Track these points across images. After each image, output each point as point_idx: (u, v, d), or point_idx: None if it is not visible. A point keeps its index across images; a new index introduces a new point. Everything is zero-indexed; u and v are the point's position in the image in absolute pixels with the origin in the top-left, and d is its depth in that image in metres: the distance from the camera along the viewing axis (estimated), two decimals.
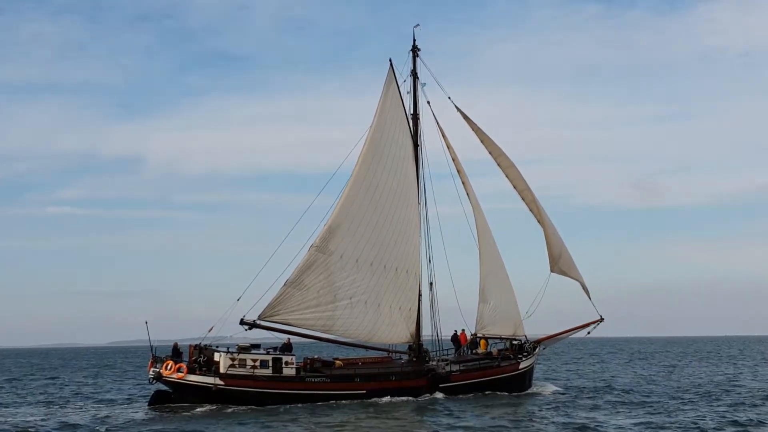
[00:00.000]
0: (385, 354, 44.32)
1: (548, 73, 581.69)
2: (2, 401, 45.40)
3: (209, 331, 39.10)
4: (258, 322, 40.27)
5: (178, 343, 39.88)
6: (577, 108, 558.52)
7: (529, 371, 46.86)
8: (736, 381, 53.88)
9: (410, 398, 40.33)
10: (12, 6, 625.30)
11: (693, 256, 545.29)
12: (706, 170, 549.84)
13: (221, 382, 37.58)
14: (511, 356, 45.75)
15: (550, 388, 48.14)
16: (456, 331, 47.27)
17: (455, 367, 43.40)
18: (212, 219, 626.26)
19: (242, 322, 39.89)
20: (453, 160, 46.47)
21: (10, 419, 35.70)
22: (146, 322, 38.89)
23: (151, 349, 38.56)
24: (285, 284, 40.92)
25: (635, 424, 32.00)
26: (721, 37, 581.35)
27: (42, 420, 35.11)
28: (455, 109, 46.05)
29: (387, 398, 39.85)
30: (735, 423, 32.20)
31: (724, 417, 33.92)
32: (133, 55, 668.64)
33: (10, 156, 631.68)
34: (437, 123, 46.05)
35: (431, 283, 45.07)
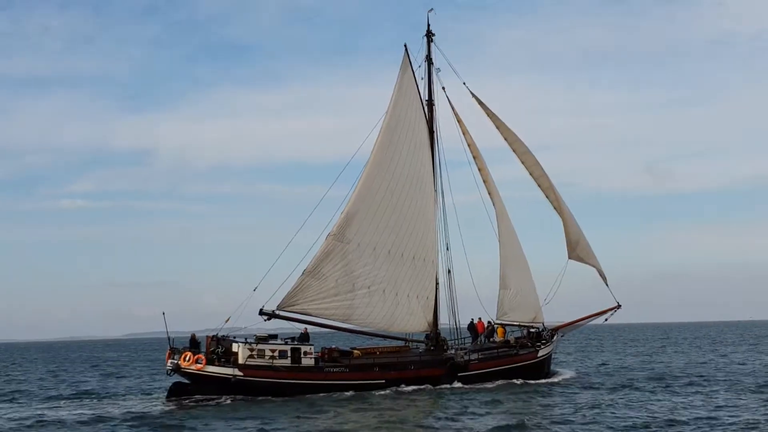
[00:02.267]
0: (402, 343, 44.11)
1: (558, 59, 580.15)
2: (21, 396, 45.31)
3: (226, 321, 38.84)
4: (277, 312, 40.02)
5: (196, 335, 39.65)
6: (588, 94, 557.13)
7: (548, 359, 46.56)
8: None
9: (429, 387, 40.08)
10: None
11: (707, 241, 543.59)
12: (719, 155, 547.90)
13: (240, 373, 37.30)
14: (529, 344, 45.47)
15: (569, 375, 47.83)
16: (473, 319, 46.98)
17: (474, 356, 43.11)
18: (223, 210, 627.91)
19: (261, 313, 39.63)
20: (469, 145, 46.10)
21: (30, 413, 35.57)
22: (163, 314, 38.66)
23: (169, 341, 38.33)
24: (303, 274, 40.65)
25: (656, 412, 31.71)
26: (730, 21, 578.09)
27: (61, 414, 34.92)
28: (470, 95, 45.68)
29: (406, 387, 39.62)
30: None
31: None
32: (141, 46, 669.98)
33: (21, 150, 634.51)
34: (453, 109, 45.71)
35: (449, 271, 44.80)
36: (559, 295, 46.48)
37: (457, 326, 45.26)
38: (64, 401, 40.62)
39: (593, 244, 47.69)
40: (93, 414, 34.27)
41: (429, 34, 45.45)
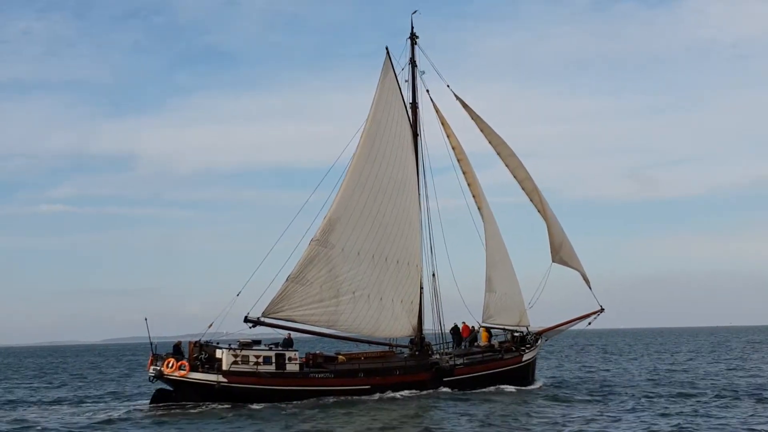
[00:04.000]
0: (386, 348, 43.76)
1: (539, 67, 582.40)
2: (1, 400, 44.72)
3: (209, 327, 38.32)
4: (262, 319, 39.54)
5: (181, 342, 39.05)
6: (570, 101, 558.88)
7: (533, 363, 46.35)
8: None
9: (415, 392, 39.79)
10: None
11: (689, 247, 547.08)
12: (701, 162, 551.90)
13: (224, 380, 36.81)
14: (513, 348, 45.25)
15: (553, 380, 47.75)
16: (456, 324, 46.49)
17: (459, 361, 42.86)
18: (205, 216, 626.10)
19: (247, 320, 39.15)
20: (454, 148, 45.74)
21: (9, 419, 35.06)
22: (146, 319, 38.25)
23: (151, 347, 37.87)
24: (287, 279, 40.13)
25: (639, 418, 31.65)
26: (710, 29, 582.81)
27: (41, 420, 34.42)
28: (454, 98, 45.23)
29: (391, 393, 39.31)
30: None
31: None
32: (122, 52, 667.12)
33: (0, 154, 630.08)
34: (437, 111, 45.31)
35: (434, 274, 44.42)
36: (542, 298, 46.35)
37: (442, 330, 44.97)
38: (42, 406, 40.13)
39: (578, 250, 47.55)
40: (74, 420, 33.84)
41: (413, 37, 45.00)
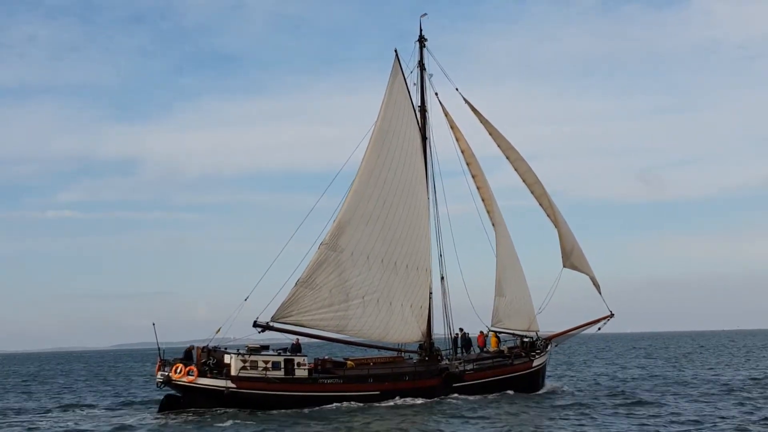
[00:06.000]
0: (395, 354, 43.44)
1: (546, 68, 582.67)
2: (7, 407, 44.51)
3: (217, 332, 38.09)
4: (272, 324, 39.26)
5: (192, 347, 38.72)
6: (576, 102, 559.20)
7: (542, 369, 46.02)
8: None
9: (425, 398, 39.48)
10: (5, 7, 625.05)
11: (697, 249, 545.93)
12: (708, 163, 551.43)
13: (233, 385, 36.56)
14: (523, 354, 44.91)
15: (563, 386, 47.43)
16: (457, 333, 45.63)
17: (469, 366, 42.53)
18: (212, 220, 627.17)
19: (256, 324, 38.83)
20: (463, 152, 45.47)
21: (15, 427, 34.83)
22: (153, 324, 37.95)
23: (159, 352, 37.62)
24: (296, 284, 39.84)
25: (649, 424, 31.34)
26: (717, 29, 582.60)
27: (48, 428, 34.19)
28: (463, 102, 44.93)
29: (401, 399, 39.02)
30: None
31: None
32: (128, 56, 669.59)
33: (7, 159, 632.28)
34: (446, 114, 45.03)
35: (443, 278, 44.03)
36: (551, 303, 46.04)
37: (452, 335, 44.61)
38: (48, 413, 39.88)
39: (585, 252, 47.21)
40: (82, 427, 33.61)
41: (422, 39, 44.70)
